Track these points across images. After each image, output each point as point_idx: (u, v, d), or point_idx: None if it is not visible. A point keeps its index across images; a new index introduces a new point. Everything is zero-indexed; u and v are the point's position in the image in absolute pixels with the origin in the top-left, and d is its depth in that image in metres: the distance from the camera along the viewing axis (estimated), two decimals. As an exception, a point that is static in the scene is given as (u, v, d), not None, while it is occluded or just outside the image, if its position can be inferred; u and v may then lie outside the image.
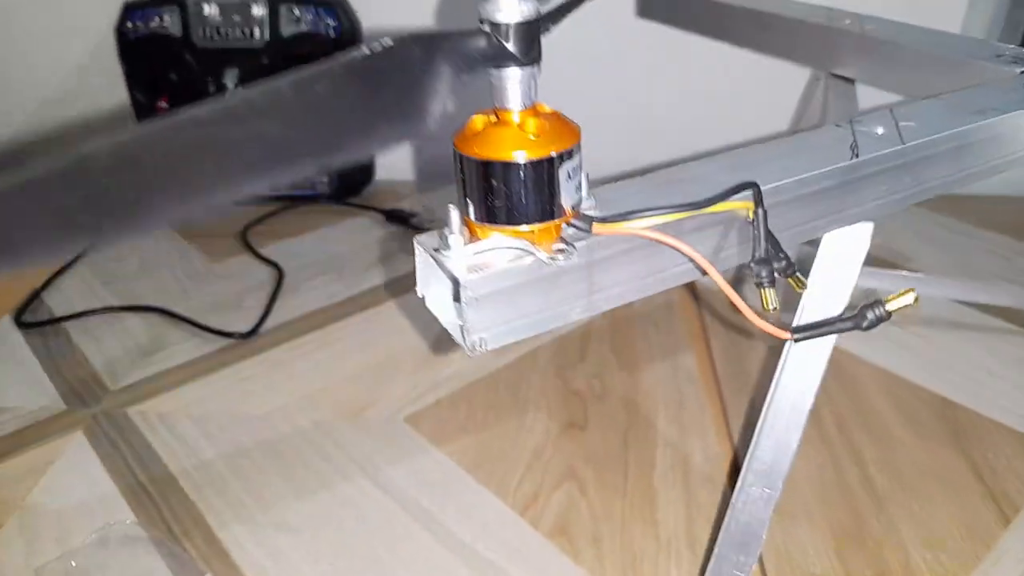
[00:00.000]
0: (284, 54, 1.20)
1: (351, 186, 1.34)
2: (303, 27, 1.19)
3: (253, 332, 1.01)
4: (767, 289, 0.47)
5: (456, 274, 0.41)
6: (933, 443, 0.83)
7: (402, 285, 1.12)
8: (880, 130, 0.56)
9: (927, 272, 1.10)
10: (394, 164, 1.39)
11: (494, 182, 0.41)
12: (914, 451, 0.82)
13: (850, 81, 0.82)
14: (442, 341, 1.00)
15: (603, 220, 0.44)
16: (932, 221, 1.25)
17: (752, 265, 0.47)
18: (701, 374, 0.93)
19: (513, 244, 0.43)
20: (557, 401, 0.90)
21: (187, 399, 0.92)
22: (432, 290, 0.46)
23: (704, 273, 0.48)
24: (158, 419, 0.90)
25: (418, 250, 0.45)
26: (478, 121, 0.42)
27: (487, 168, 0.40)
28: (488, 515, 0.77)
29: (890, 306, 0.43)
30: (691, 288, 1.09)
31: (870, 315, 0.42)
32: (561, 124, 0.42)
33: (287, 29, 1.19)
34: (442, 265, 0.42)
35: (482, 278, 0.41)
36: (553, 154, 0.40)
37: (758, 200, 0.47)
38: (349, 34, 1.21)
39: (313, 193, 1.31)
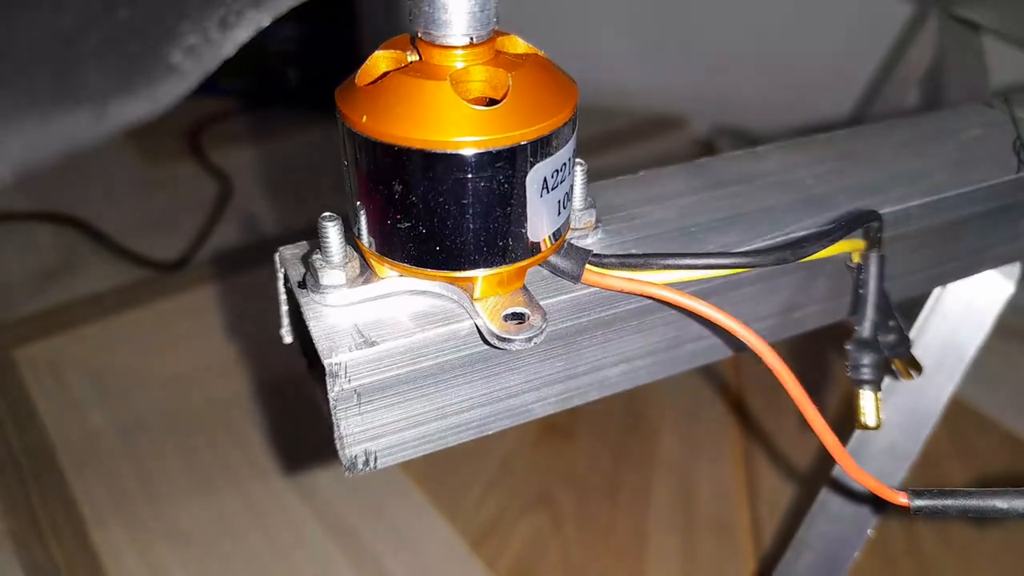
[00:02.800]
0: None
1: (327, 84, 1.13)
2: None
3: (183, 263, 0.83)
4: (867, 391, 0.28)
5: (322, 347, 0.22)
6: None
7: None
8: (1055, 119, 0.36)
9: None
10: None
11: (401, 187, 0.21)
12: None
13: (973, 26, 0.60)
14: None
15: (602, 261, 0.24)
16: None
17: (849, 349, 0.28)
18: (726, 378, 0.75)
19: (435, 289, 0.24)
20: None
21: (89, 344, 0.75)
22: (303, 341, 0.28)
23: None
24: (48, 368, 0.73)
25: (279, 273, 0.26)
26: (380, 60, 0.22)
27: (390, 158, 0.21)
28: (431, 545, 0.60)
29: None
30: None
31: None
32: (544, 80, 0.22)
33: None
34: (307, 317, 0.24)
35: (369, 359, 0.23)
36: (523, 143, 0.21)
37: (875, 239, 0.27)
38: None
39: (281, 89, 1.09)
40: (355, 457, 0.24)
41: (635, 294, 0.24)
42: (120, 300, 0.79)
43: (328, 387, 0.22)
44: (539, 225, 0.22)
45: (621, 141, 1.07)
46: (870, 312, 0.27)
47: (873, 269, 0.27)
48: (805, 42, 1.02)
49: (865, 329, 0.27)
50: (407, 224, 0.22)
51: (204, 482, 0.63)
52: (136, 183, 0.96)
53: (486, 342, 0.23)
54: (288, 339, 0.28)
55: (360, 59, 0.21)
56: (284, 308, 0.27)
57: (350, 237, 0.24)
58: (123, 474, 0.64)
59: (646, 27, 1.10)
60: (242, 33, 0.16)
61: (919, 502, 0.24)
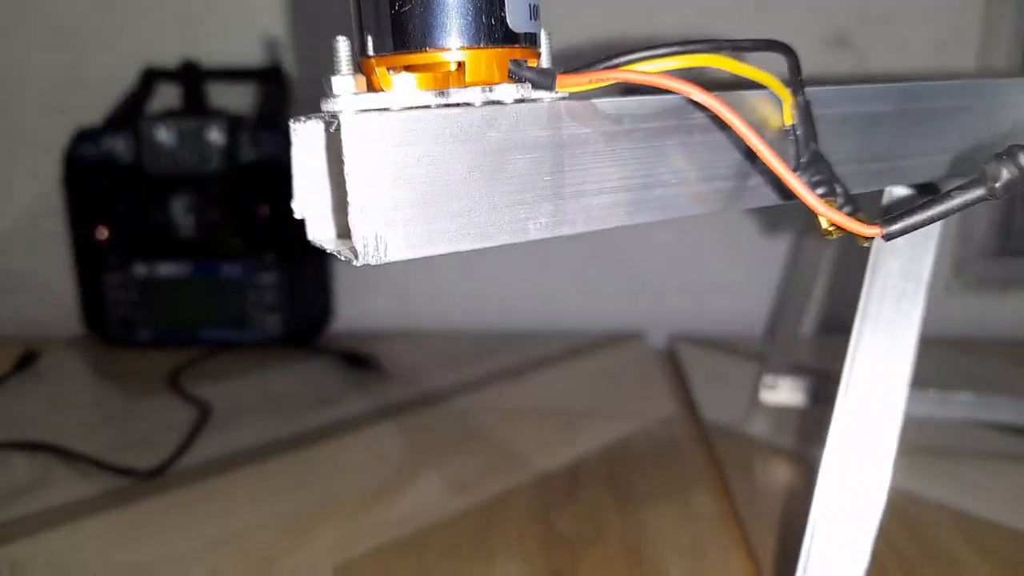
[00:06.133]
0: (242, 182, 1.10)
1: (305, 329, 1.19)
2: (264, 153, 1.10)
3: (160, 471, 0.81)
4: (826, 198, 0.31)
5: (336, 108, 0.26)
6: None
7: (351, 424, 0.93)
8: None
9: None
10: (363, 304, 1.25)
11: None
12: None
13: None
14: (396, 480, 0.80)
15: (571, 71, 0.29)
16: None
17: (798, 173, 0.31)
18: (719, 514, 0.73)
19: (431, 97, 0.28)
20: (537, 546, 0.69)
21: (58, 545, 0.71)
22: (315, 190, 0.31)
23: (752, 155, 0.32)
24: (10, 569, 0.68)
25: (294, 133, 0.30)
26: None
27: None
28: None
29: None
30: (698, 425, 0.91)
31: (1006, 171, 0.26)
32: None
33: (246, 155, 1.10)
34: (324, 110, 0.27)
35: (377, 120, 0.26)
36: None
37: (795, 78, 0.32)
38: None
39: (260, 338, 1.15)
40: (366, 238, 0.26)
41: (605, 82, 0.28)
42: (95, 504, 0.76)
43: (343, 145, 0.25)
44: (516, 14, 0.27)
45: (583, 353, 1.13)
46: (806, 138, 0.31)
47: (801, 105, 0.32)
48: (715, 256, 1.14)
49: (806, 151, 0.31)
50: (408, 7, 0.26)
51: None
52: (115, 415, 0.97)
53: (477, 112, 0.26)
54: (298, 214, 0.31)
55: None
56: (297, 178, 0.30)
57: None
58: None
59: (590, 271, 1.23)
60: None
61: (892, 227, 0.26)
